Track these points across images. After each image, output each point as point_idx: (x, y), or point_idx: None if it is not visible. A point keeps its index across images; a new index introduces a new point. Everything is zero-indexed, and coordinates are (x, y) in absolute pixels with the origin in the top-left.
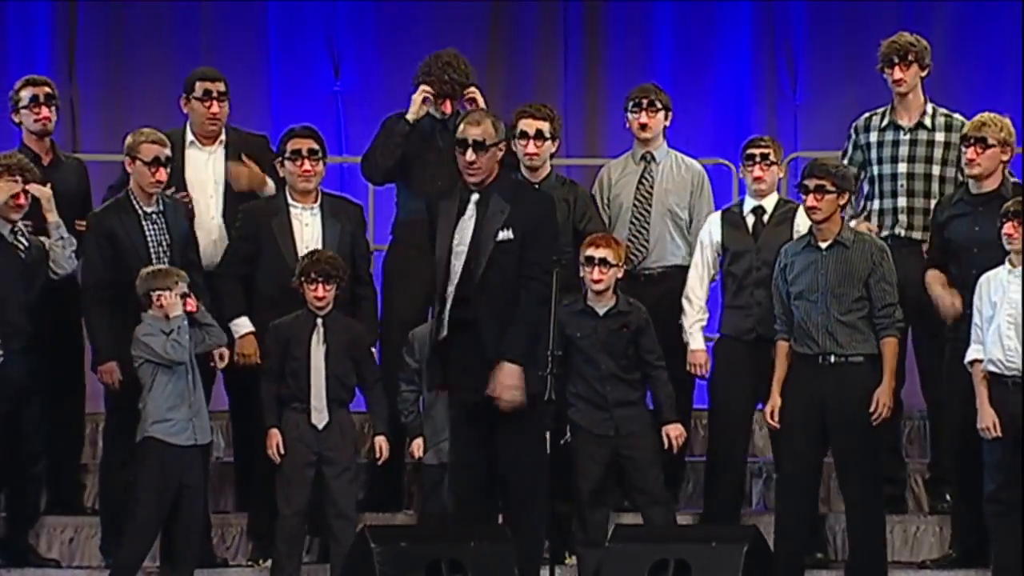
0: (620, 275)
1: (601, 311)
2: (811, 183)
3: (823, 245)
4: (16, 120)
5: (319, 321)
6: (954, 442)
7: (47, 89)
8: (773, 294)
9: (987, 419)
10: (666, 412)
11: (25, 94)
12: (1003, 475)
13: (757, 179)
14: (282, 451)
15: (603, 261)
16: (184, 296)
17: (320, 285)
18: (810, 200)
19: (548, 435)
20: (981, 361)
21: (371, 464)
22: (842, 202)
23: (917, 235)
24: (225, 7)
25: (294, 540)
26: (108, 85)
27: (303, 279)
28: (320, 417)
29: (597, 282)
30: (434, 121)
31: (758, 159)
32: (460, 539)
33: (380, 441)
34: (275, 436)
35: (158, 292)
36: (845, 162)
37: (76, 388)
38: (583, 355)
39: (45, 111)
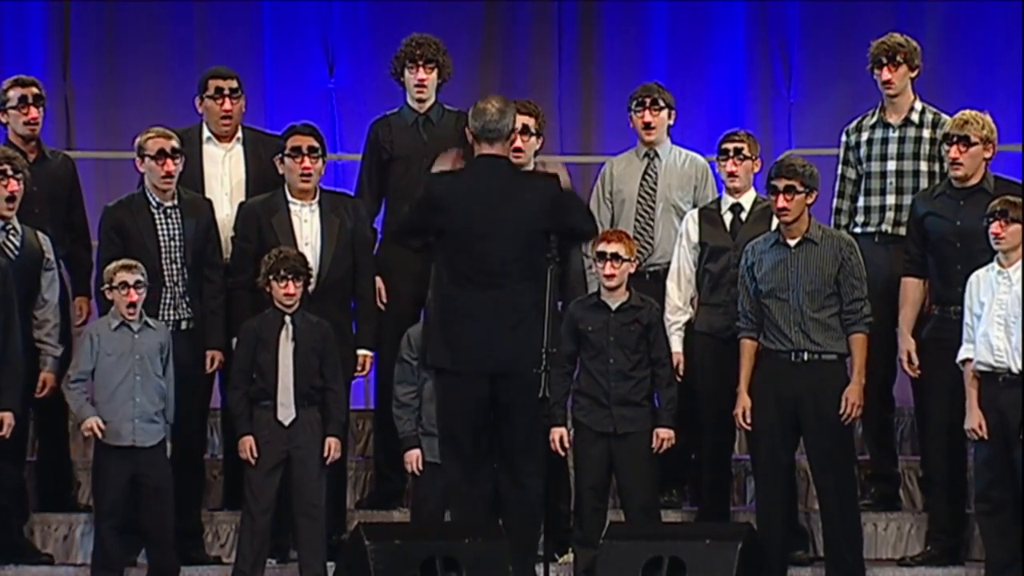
0: (632, 270)
1: (614, 305)
2: (780, 184)
3: (792, 243)
4: (3, 120)
5: (287, 319)
6: (933, 441)
7: (35, 90)
8: (740, 291)
9: (974, 420)
10: (661, 414)
11: (13, 94)
12: (992, 473)
13: (731, 174)
14: (256, 454)
15: (615, 256)
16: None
17: (290, 282)
18: (780, 201)
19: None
20: (972, 360)
21: (375, 462)
22: (810, 201)
23: (903, 231)
24: (220, 5)
25: (262, 539)
26: (102, 84)
27: (271, 277)
28: (287, 413)
29: (610, 277)
30: (416, 115)
31: (731, 154)
32: (455, 536)
33: (331, 442)
34: (248, 442)
35: (127, 286)
36: (842, 167)
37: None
38: (593, 349)
39: (33, 112)
